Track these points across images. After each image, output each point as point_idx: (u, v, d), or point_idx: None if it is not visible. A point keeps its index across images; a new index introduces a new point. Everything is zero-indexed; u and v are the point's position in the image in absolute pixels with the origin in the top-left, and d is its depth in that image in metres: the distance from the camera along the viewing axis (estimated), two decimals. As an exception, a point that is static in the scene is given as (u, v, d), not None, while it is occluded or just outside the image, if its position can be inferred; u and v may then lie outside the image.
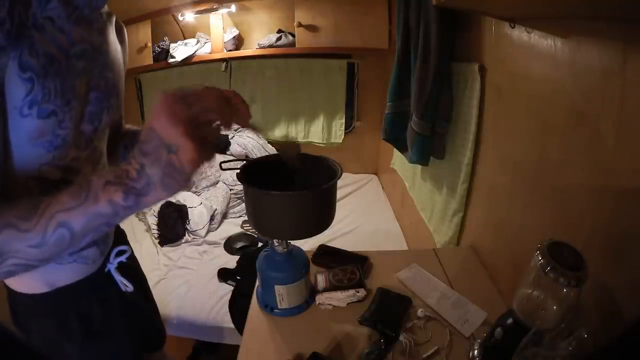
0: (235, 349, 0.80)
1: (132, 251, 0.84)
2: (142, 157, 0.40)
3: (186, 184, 0.41)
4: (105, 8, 0.61)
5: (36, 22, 0.46)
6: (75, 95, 0.52)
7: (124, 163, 0.42)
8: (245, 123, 0.44)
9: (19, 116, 0.47)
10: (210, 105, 0.40)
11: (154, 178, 0.40)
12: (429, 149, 1.22)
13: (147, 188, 0.41)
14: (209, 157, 0.40)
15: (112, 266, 0.75)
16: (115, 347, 0.78)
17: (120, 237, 0.83)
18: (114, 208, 0.41)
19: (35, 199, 0.43)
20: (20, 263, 0.42)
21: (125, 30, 0.73)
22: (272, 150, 2.48)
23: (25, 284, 0.65)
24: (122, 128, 0.85)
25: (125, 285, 0.77)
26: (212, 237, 2.06)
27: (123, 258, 0.76)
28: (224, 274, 1.71)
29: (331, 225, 0.75)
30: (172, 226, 2.02)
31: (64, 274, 0.66)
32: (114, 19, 0.66)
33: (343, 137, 2.50)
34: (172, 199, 2.04)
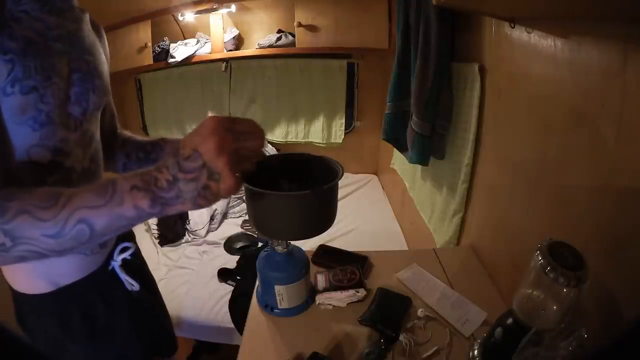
0: (235, 349, 0.80)
1: (137, 248, 0.82)
2: (178, 171, 0.41)
3: (213, 204, 0.44)
4: (76, 3, 0.63)
5: (13, 16, 0.49)
6: (56, 73, 0.54)
7: (153, 169, 0.42)
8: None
9: (3, 95, 0.48)
10: (257, 145, 0.44)
11: (187, 194, 0.41)
12: (429, 149, 1.22)
13: (175, 200, 0.42)
14: (241, 186, 0.43)
15: (116, 264, 0.73)
16: (122, 348, 0.76)
17: (126, 233, 0.79)
18: (139, 213, 0.42)
19: (54, 189, 0.43)
20: (33, 250, 0.42)
21: (102, 29, 0.73)
22: (272, 150, 2.48)
23: (29, 284, 0.64)
24: (118, 133, 0.82)
25: (131, 284, 0.75)
26: (212, 237, 2.06)
27: (127, 255, 0.74)
28: (224, 274, 1.71)
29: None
30: (172, 226, 2.02)
31: (67, 269, 0.65)
32: (88, 16, 0.67)
33: (343, 137, 2.50)
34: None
